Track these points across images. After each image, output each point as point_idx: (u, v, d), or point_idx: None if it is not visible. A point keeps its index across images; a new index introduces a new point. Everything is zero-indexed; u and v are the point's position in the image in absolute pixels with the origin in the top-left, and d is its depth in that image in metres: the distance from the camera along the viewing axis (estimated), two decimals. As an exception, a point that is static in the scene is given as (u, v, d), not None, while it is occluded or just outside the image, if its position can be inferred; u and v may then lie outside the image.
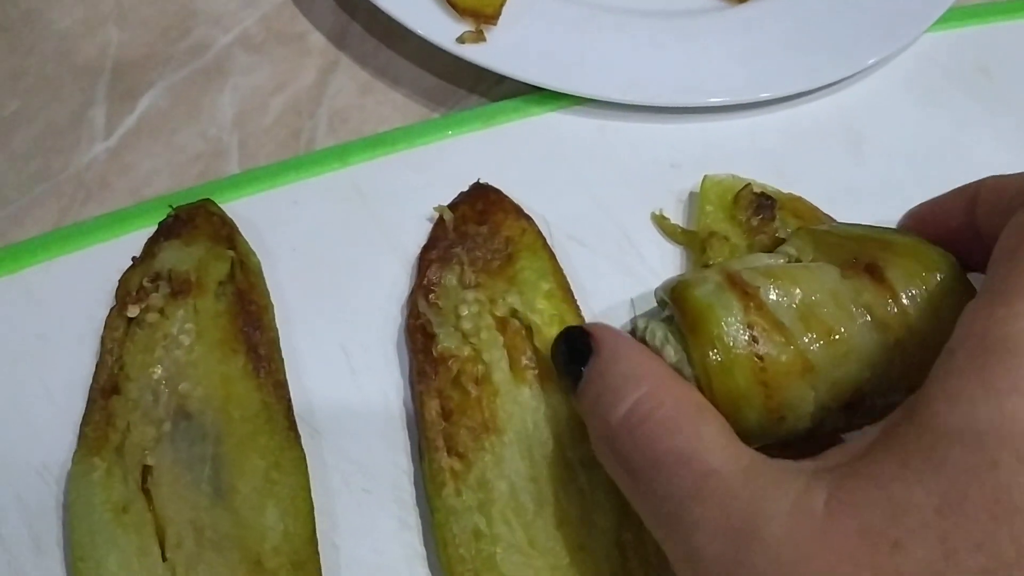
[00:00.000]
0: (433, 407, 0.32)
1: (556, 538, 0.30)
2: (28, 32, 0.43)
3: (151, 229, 0.35)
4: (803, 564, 0.22)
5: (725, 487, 0.23)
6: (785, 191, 0.37)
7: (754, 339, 0.27)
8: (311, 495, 0.30)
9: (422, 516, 0.31)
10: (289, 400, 0.32)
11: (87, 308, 0.34)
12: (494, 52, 0.39)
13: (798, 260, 0.31)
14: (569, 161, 0.40)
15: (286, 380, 0.32)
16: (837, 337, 0.27)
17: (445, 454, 0.31)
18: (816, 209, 0.37)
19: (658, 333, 0.29)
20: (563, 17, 0.42)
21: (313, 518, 0.30)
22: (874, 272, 0.28)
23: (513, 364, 0.33)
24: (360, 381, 0.34)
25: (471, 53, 0.39)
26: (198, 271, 0.33)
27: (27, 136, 0.40)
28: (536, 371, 0.33)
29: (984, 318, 0.23)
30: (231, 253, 0.34)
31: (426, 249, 0.36)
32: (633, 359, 0.27)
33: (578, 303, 0.34)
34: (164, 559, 0.29)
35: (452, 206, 0.37)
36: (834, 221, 0.36)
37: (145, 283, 0.33)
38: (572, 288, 0.35)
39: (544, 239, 0.36)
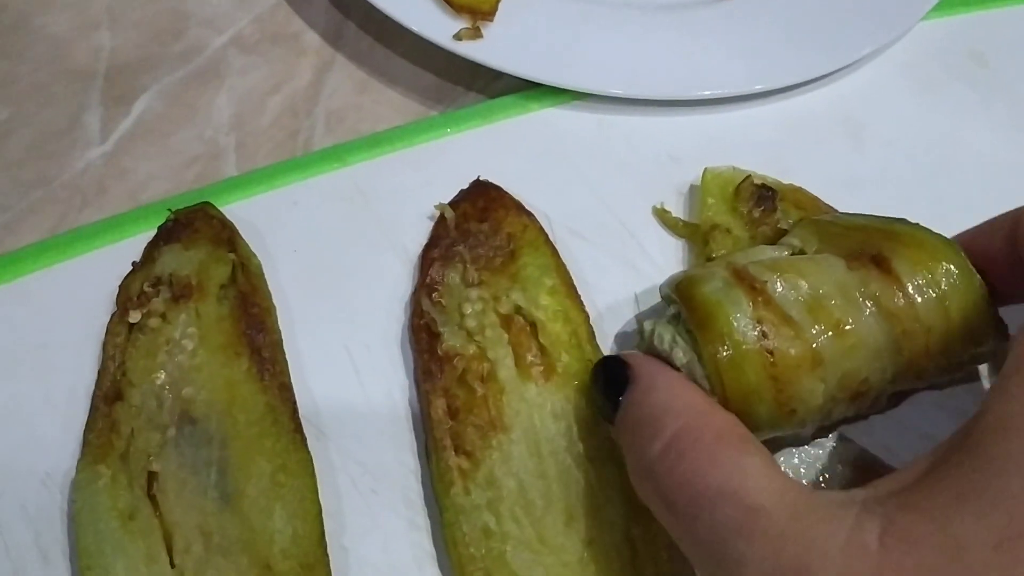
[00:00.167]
0: (439, 406, 0.32)
1: (566, 534, 0.30)
2: (19, 38, 0.42)
3: (150, 233, 0.35)
4: None
5: (773, 524, 0.23)
6: (785, 182, 0.37)
7: (764, 334, 0.27)
8: (319, 497, 0.30)
9: (431, 516, 0.31)
10: (294, 402, 0.32)
11: (88, 314, 0.34)
12: (491, 48, 0.39)
13: (802, 252, 0.31)
14: (569, 156, 0.40)
15: (290, 382, 0.32)
16: (845, 329, 0.27)
17: (453, 453, 0.31)
18: (817, 199, 0.37)
19: (666, 337, 0.29)
20: (559, 12, 0.42)
21: (321, 520, 0.30)
22: (881, 263, 0.28)
23: (518, 361, 0.32)
24: (365, 382, 0.34)
25: (468, 50, 0.39)
26: (199, 275, 0.33)
27: (21, 142, 0.39)
28: (541, 367, 0.32)
29: None
30: (232, 256, 0.34)
31: (428, 248, 0.35)
32: (671, 390, 0.27)
33: (581, 298, 0.34)
34: (172, 565, 0.29)
35: (453, 204, 0.36)
36: (835, 211, 0.36)
37: (146, 288, 0.33)
38: (575, 283, 0.35)
39: (546, 235, 0.36)
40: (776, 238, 0.34)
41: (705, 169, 0.38)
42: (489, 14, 0.40)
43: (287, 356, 0.33)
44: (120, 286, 0.34)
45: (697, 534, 0.24)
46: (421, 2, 0.40)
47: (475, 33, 0.39)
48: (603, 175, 0.39)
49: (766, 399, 0.27)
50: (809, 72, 0.41)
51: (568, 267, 0.35)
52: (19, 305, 0.34)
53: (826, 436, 0.32)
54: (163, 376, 0.32)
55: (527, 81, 0.40)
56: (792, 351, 0.27)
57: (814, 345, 0.27)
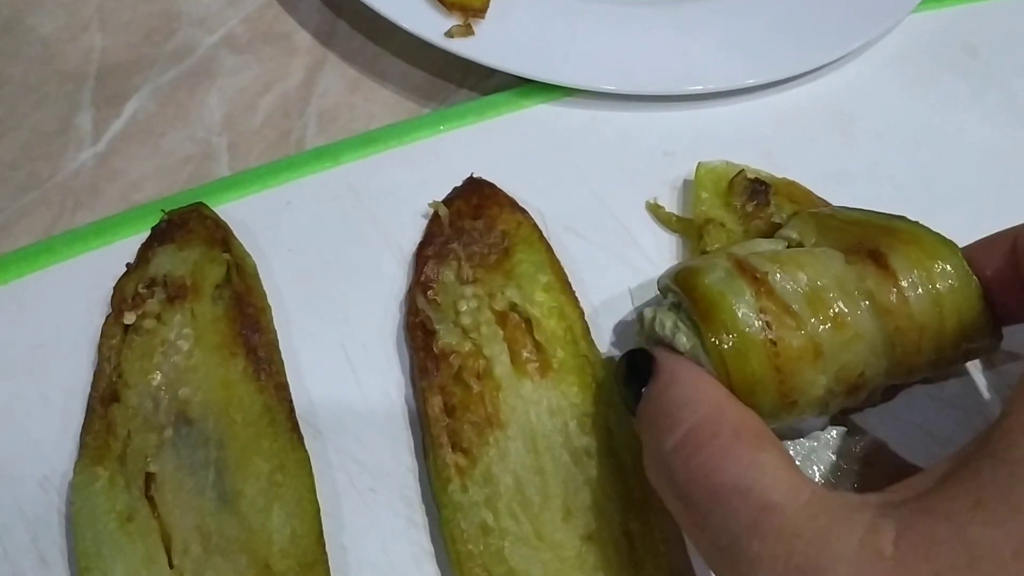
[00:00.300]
0: (436, 404, 0.32)
1: (563, 529, 0.30)
2: (10, 39, 0.42)
3: (144, 235, 0.35)
4: None
5: (786, 523, 0.22)
6: (778, 176, 0.38)
7: (767, 324, 0.27)
8: (317, 496, 0.30)
9: (429, 513, 0.31)
10: (291, 402, 0.32)
11: (82, 316, 0.34)
12: (483, 46, 0.39)
13: (800, 244, 0.31)
14: (562, 153, 0.40)
15: (287, 382, 0.32)
16: (843, 322, 0.27)
17: (450, 450, 0.31)
18: (810, 193, 0.37)
19: (667, 323, 0.28)
20: (551, 8, 0.42)
21: (320, 519, 0.30)
22: (878, 259, 0.28)
23: (514, 358, 0.33)
24: (361, 380, 0.34)
25: (460, 47, 0.39)
26: (194, 275, 0.33)
27: (13, 144, 0.39)
28: (537, 364, 0.33)
29: None
30: (226, 256, 0.34)
31: (422, 245, 0.35)
32: (693, 383, 0.27)
33: (576, 294, 0.34)
34: (171, 566, 0.29)
35: (447, 201, 0.36)
36: (829, 204, 0.36)
37: (140, 289, 0.33)
38: (570, 279, 0.35)
39: (540, 232, 0.36)
40: (769, 232, 0.34)
41: (698, 164, 0.38)
42: (481, 11, 0.40)
43: (283, 356, 0.33)
44: (115, 287, 0.33)
45: (710, 529, 0.24)
46: (412, 0, 0.40)
47: (467, 30, 0.39)
48: (596, 171, 0.39)
49: (770, 389, 0.27)
50: (801, 66, 0.42)
51: (562, 263, 0.35)
52: (13, 308, 0.34)
53: (821, 428, 0.32)
54: (159, 377, 0.31)
55: (519, 78, 0.40)
56: (794, 342, 0.27)
57: (815, 337, 0.27)
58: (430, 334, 0.33)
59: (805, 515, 0.22)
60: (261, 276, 0.35)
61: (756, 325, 0.27)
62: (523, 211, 0.36)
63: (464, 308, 0.33)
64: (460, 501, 0.30)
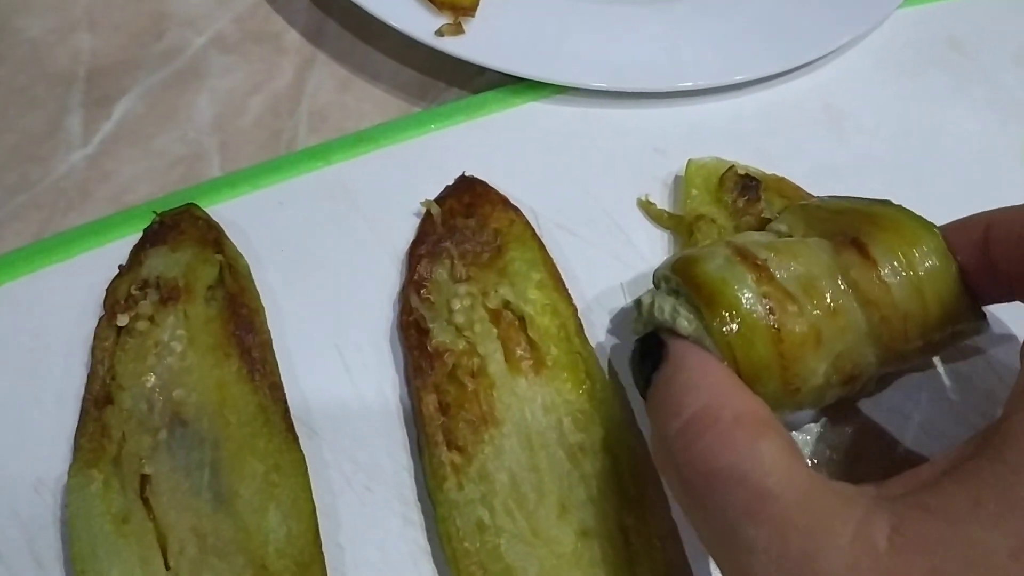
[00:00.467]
0: (431, 402, 0.32)
1: (559, 526, 0.30)
2: (-3, 41, 0.42)
3: (136, 236, 0.35)
4: None
5: (781, 511, 0.22)
6: (768, 172, 0.38)
7: (770, 310, 0.27)
8: (312, 496, 0.30)
9: (425, 511, 0.31)
10: (285, 402, 0.32)
11: (75, 319, 0.33)
12: (473, 44, 0.39)
13: (790, 236, 0.31)
14: (553, 150, 0.40)
15: (281, 382, 0.32)
16: (836, 309, 0.28)
17: (445, 448, 0.31)
18: (800, 188, 0.37)
19: (666, 307, 0.28)
20: (541, 6, 0.42)
21: (315, 519, 0.30)
22: (860, 247, 0.28)
23: (508, 355, 0.33)
24: (356, 380, 0.34)
25: (450, 46, 0.39)
26: (186, 276, 0.33)
27: (2, 147, 0.39)
28: (531, 361, 0.33)
29: None
30: (219, 257, 0.34)
31: (415, 244, 0.36)
32: (700, 369, 0.27)
33: (569, 291, 0.34)
34: (167, 567, 0.28)
35: (439, 200, 0.37)
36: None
37: (133, 291, 0.33)
38: (563, 276, 0.35)
39: (532, 229, 0.36)
40: (760, 228, 0.34)
41: (689, 160, 0.38)
42: (470, 9, 0.40)
43: (277, 356, 0.33)
44: (107, 290, 0.33)
45: (708, 514, 0.24)
46: (402, -1, 0.40)
47: (457, 29, 0.39)
48: (588, 168, 0.39)
49: (774, 375, 0.27)
50: (788, 62, 0.42)
51: (555, 261, 0.35)
52: (5, 311, 0.34)
53: (814, 421, 0.33)
54: (153, 379, 0.31)
55: (510, 76, 0.40)
56: (797, 328, 0.27)
57: (816, 323, 0.27)
58: (424, 333, 0.33)
59: (801, 504, 0.22)
60: (254, 277, 0.35)
61: (760, 311, 0.27)
62: (515, 209, 0.36)
63: (458, 306, 0.33)
64: (456, 499, 0.30)
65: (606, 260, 0.37)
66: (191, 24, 0.43)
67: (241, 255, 0.35)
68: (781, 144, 0.41)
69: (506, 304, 0.34)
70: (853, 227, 0.29)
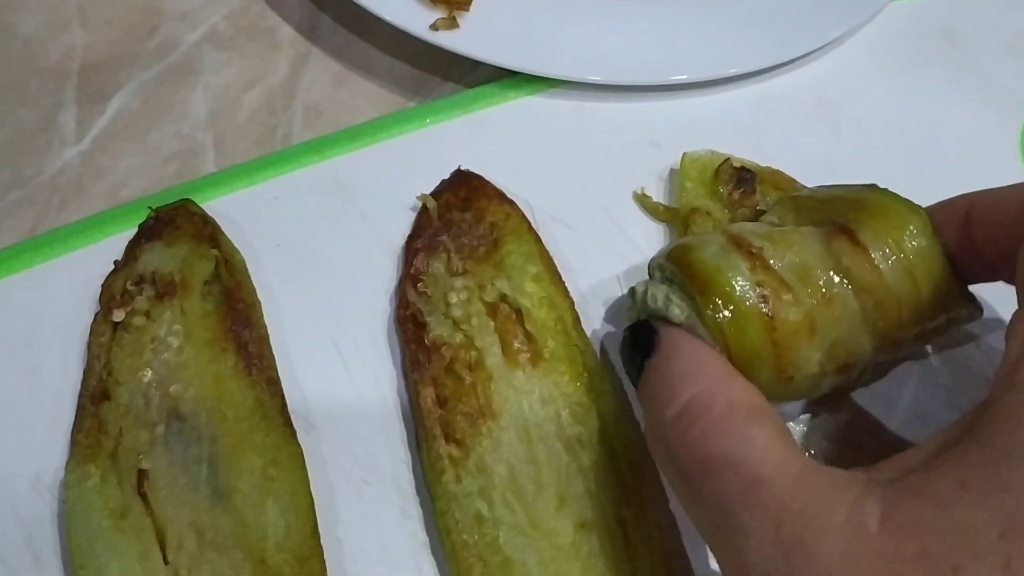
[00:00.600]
0: (428, 395, 0.32)
1: (557, 518, 0.30)
2: (-10, 38, 0.42)
3: (131, 232, 0.35)
4: None
5: (774, 496, 0.23)
6: (763, 164, 0.38)
7: (764, 298, 0.27)
8: (310, 490, 0.30)
9: (423, 505, 0.31)
10: (283, 396, 0.32)
11: (71, 315, 0.33)
12: (468, 38, 0.39)
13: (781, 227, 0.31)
14: (549, 144, 0.40)
15: (278, 377, 0.32)
16: (830, 298, 0.28)
17: (443, 441, 0.31)
18: (794, 181, 0.37)
19: (659, 295, 0.28)
20: (535, 0, 0.42)
21: (314, 513, 0.30)
22: (850, 235, 0.29)
23: (505, 348, 0.33)
24: (353, 374, 0.34)
25: (445, 40, 0.39)
26: (182, 272, 0.33)
27: (-4, 143, 0.39)
28: (528, 354, 0.33)
29: None
30: (215, 252, 0.34)
31: (411, 238, 0.36)
32: (693, 357, 0.27)
33: (566, 284, 0.34)
34: (166, 562, 0.29)
35: (435, 194, 0.36)
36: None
37: (129, 286, 0.33)
38: (559, 269, 0.35)
39: (528, 223, 0.36)
40: (755, 220, 0.34)
41: (684, 153, 0.38)
42: (465, 3, 0.40)
43: (274, 351, 0.33)
44: (103, 285, 0.33)
45: (703, 501, 0.24)
46: (396, -7, 0.40)
47: (451, 23, 0.39)
48: (583, 162, 0.39)
49: (768, 364, 0.27)
50: (783, 54, 0.42)
51: (551, 254, 0.35)
52: (1, 308, 0.34)
53: (807, 410, 0.33)
54: (150, 374, 0.31)
55: (505, 70, 0.40)
56: (791, 316, 0.27)
57: (810, 312, 0.27)
58: (421, 326, 0.33)
59: (793, 489, 0.23)
60: (250, 272, 0.35)
61: (753, 298, 0.27)
62: (511, 202, 0.36)
63: (454, 300, 0.33)
64: (454, 492, 0.30)
65: (602, 253, 0.37)
66: (185, 19, 0.43)
67: (237, 250, 0.35)
68: (775, 137, 0.41)
69: (503, 297, 0.34)
70: (841, 215, 0.30)
